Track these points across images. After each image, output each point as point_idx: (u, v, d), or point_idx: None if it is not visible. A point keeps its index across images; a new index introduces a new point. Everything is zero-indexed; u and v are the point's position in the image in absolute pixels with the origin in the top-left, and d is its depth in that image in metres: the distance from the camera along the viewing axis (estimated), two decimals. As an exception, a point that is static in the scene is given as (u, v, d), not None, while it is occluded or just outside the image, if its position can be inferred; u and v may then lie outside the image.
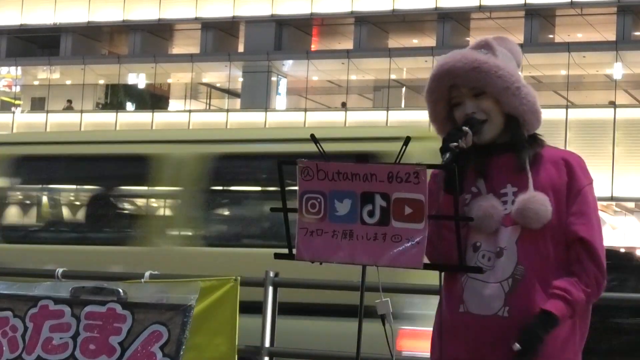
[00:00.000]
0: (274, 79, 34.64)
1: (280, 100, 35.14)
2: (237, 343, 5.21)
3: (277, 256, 3.26)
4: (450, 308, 3.17)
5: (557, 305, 3.02)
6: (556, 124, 27.75)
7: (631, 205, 30.22)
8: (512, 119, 3.17)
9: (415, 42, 35.08)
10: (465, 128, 3.09)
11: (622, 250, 16.88)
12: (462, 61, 3.15)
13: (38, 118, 36.27)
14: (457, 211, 2.97)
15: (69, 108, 37.26)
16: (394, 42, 34.85)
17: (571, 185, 3.13)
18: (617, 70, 31.46)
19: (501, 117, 3.17)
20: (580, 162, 3.17)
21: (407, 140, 3.02)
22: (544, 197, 3.07)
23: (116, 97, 39.76)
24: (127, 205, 8.26)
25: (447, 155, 3.03)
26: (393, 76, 34.21)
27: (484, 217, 3.10)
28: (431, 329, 3.25)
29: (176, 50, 38.04)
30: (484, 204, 3.11)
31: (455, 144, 3.05)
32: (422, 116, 30.01)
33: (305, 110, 33.68)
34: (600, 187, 28.17)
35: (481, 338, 3.09)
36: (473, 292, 3.11)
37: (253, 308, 5.58)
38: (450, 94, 3.20)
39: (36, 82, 39.44)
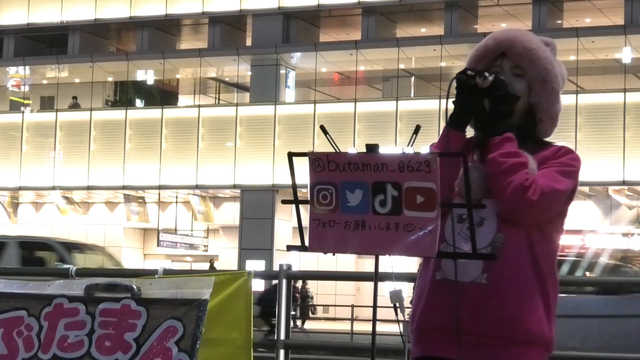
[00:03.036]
0: (282, 71, 34.60)
1: (289, 93, 35.12)
2: (252, 336, 5.21)
3: (290, 248, 3.25)
4: (429, 275, 3.19)
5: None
6: (566, 109, 27.43)
7: (643, 189, 30.14)
8: (531, 114, 3.22)
9: (423, 31, 34.98)
10: (487, 74, 3.12)
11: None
12: (526, 37, 3.24)
13: (47, 117, 36.36)
14: (470, 199, 2.96)
15: (75, 105, 37.26)
16: (402, 31, 34.76)
17: (557, 156, 3.16)
18: (627, 55, 31.34)
19: (524, 104, 3.21)
20: (575, 153, 3.19)
21: (417, 128, 3.02)
22: None
23: (125, 94, 39.80)
24: None
25: (461, 76, 3.09)
26: (402, 66, 34.15)
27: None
28: None
29: (184, 45, 38.04)
30: (473, 174, 3.10)
31: (471, 72, 3.10)
32: (431, 105, 30.07)
33: (315, 102, 33.66)
34: (612, 172, 28.11)
35: (460, 305, 3.07)
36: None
37: None
38: (494, 62, 3.24)
39: (45, 81, 39.49)
